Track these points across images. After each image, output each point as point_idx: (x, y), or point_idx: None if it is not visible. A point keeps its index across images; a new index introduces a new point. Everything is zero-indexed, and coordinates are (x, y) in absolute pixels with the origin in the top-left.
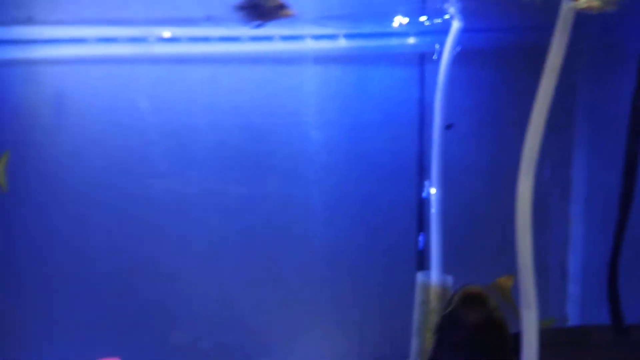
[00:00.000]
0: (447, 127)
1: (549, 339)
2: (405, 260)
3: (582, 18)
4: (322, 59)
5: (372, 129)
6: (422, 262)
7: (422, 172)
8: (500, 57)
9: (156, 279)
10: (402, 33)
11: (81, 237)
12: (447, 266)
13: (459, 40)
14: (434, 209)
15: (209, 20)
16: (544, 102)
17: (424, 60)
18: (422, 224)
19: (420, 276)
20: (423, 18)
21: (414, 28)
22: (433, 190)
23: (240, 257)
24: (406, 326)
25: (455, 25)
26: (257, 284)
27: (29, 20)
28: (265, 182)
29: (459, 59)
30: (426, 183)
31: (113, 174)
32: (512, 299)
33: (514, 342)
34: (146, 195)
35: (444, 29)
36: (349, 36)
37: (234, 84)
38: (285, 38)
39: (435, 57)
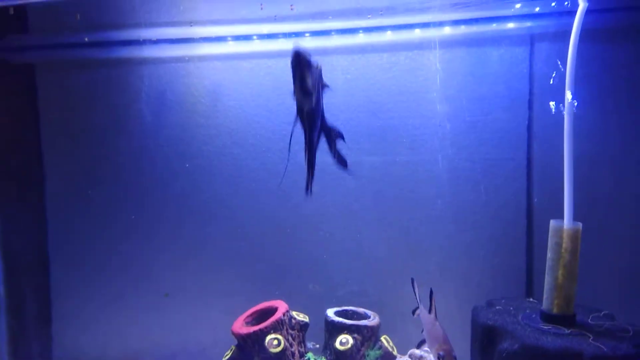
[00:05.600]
0: None
1: None
2: (518, 215)
3: None
4: (446, 43)
5: (488, 101)
6: (531, 217)
7: (531, 136)
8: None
9: (301, 238)
10: (514, 16)
11: (237, 204)
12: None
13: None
14: (566, 163)
15: (348, 14)
16: None
17: (534, 40)
18: (530, 183)
19: (553, 222)
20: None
21: (525, 11)
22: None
23: (373, 216)
24: (517, 271)
25: (582, 5)
26: (388, 238)
27: (191, 23)
28: (394, 151)
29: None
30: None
31: (261, 149)
32: None
33: None
34: (291, 166)
35: (553, 12)
36: (469, 21)
37: (365, 69)
38: (409, 26)
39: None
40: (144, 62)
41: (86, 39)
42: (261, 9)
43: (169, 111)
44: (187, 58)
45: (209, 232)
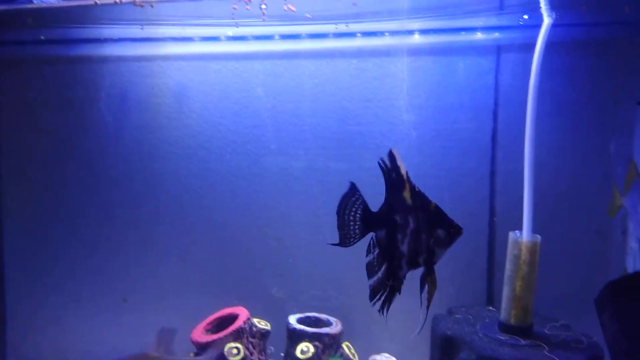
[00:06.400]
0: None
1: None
2: (481, 224)
3: None
4: (413, 51)
5: (454, 110)
6: (493, 226)
7: (495, 147)
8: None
9: (265, 243)
10: (481, 28)
11: (200, 207)
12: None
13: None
14: (526, 176)
15: (317, 18)
16: None
17: (500, 51)
18: (494, 193)
19: (512, 235)
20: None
21: (492, 23)
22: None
23: None
24: (478, 279)
25: (547, 21)
26: (352, 247)
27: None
28: (361, 158)
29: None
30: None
31: (228, 152)
32: None
33: None
34: (258, 171)
35: (520, 25)
36: (437, 30)
37: (333, 74)
38: (376, 34)
39: None
40: (104, 60)
41: (42, 37)
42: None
43: (131, 111)
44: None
45: (171, 235)
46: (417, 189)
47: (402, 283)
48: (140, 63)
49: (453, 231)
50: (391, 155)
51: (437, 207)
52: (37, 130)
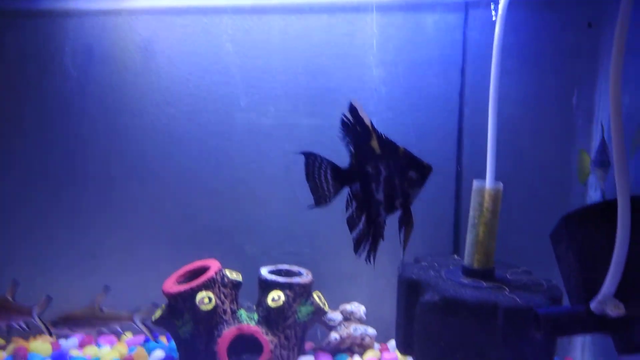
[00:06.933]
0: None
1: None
2: (448, 179)
3: None
4: (383, 7)
5: (422, 67)
6: (460, 181)
7: (462, 103)
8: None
9: (236, 200)
10: None
11: (169, 164)
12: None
13: None
14: (490, 125)
15: None
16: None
17: (468, 7)
18: (461, 148)
19: (475, 182)
20: None
21: None
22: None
23: None
24: (445, 231)
25: None
26: None
27: None
28: (331, 115)
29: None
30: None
31: (198, 110)
32: None
33: None
34: (227, 128)
35: None
36: None
37: (303, 30)
38: None
39: None
40: (68, 14)
41: None
42: None
43: (96, 67)
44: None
45: (140, 193)
46: (384, 137)
47: (383, 229)
48: (106, 17)
49: (424, 170)
50: (352, 108)
51: (405, 151)
52: None
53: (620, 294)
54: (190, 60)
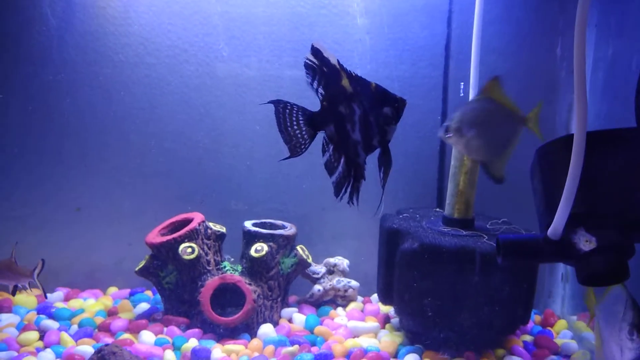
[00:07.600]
0: None
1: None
2: (432, 132)
3: None
4: None
5: (408, 17)
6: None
7: (448, 55)
8: None
9: (220, 154)
10: None
11: (151, 118)
12: None
13: None
14: (472, 78)
15: None
16: None
17: None
18: (446, 101)
19: None
20: None
21: None
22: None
23: None
24: (429, 185)
25: None
26: (308, 153)
27: None
28: None
29: None
30: None
31: (179, 60)
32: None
33: None
34: (210, 80)
35: None
36: None
37: None
38: None
39: None
40: None
41: None
42: None
43: (76, 16)
44: None
45: (121, 146)
46: (354, 74)
47: (364, 169)
48: None
49: (398, 105)
50: (315, 50)
51: (377, 86)
52: None
53: (589, 224)
54: (170, 9)
